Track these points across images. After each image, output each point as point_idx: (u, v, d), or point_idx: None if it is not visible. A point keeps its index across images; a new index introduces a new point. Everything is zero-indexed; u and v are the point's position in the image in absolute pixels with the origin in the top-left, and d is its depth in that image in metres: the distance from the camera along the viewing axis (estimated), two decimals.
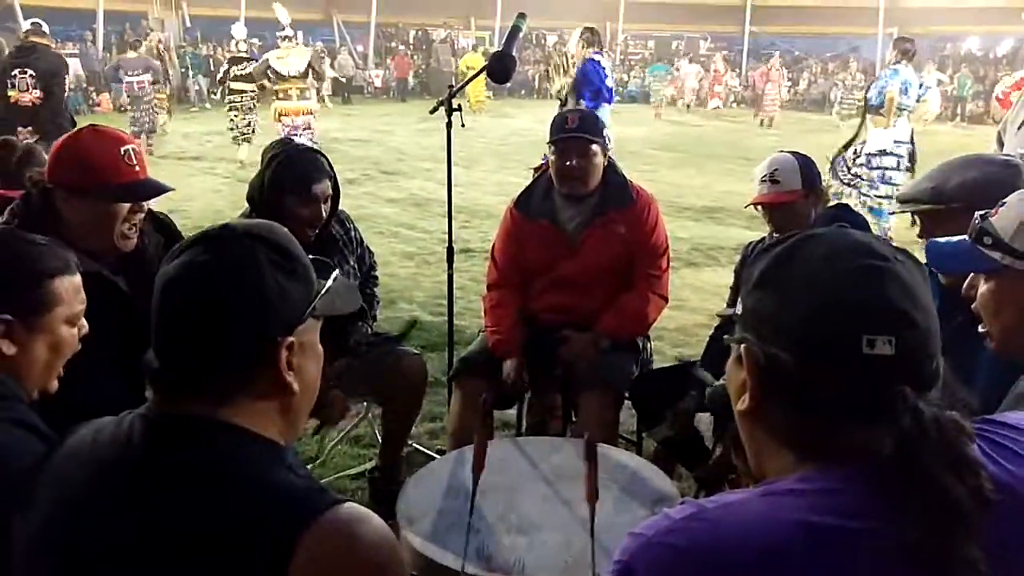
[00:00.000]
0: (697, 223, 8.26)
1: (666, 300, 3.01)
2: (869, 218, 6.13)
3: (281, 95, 9.55)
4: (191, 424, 1.03)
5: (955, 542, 0.78)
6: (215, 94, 11.05)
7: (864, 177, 6.83)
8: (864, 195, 6.85)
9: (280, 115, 9.55)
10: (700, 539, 0.81)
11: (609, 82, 6.99)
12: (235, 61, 11.17)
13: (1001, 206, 1.40)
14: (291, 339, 1.08)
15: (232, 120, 11.10)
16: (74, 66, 20.10)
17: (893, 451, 0.81)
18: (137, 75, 12.75)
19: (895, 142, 6.72)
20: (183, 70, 20.75)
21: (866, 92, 7.12)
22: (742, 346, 0.93)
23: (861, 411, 0.85)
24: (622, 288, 2.92)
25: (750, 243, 2.92)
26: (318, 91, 10.10)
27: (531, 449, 2.35)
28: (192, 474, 1.00)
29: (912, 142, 6.76)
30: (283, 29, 9.73)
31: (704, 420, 2.90)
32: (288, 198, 2.60)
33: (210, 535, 0.95)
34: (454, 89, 2.97)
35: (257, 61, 10.61)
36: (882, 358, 0.83)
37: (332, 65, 23.67)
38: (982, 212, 1.43)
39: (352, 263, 2.92)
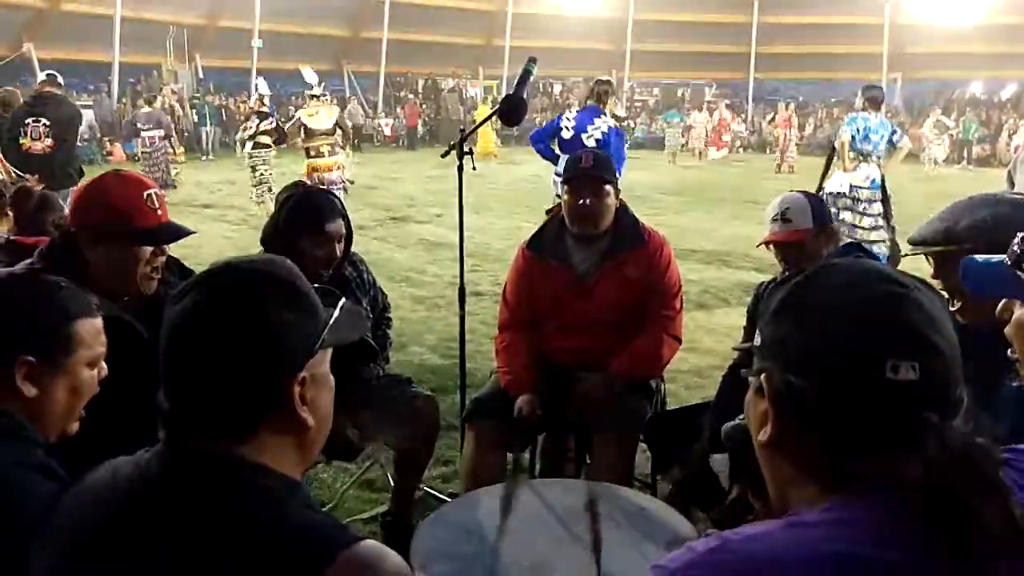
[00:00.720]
0: (707, 266, 8.27)
1: (680, 341, 3.00)
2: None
3: (313, 152, 9.85)
4: (207, 461, 1.03)
5: (987, 568, 0.76)
6: (239, 146, 11.12)
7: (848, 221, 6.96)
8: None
9: (313, 171, 9.82)
10: (723, 572, 0.80)
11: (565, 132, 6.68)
12: (262, 116, 11.39)
13: (1020, 238, 1.39)
14: (303, 375, 1.07)
15: (259, 174, 11.10)
16: (88, 117, 20.47)
17: (920, 478, 0.80)
18: (149, 130, 13.01)
19: (852, 186, 6.98)
20: (196, 120, 21.08)
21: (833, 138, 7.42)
22: (762, 376, 0.92)
23: (886, 438, 0.84)
24: (635, 329, 2.91)
25: (762, 283, 2.91)
26: (343, 146, 10.27)
27: (545, 491, 2.32)
28: (211, 511, 0.99)
29: (880, 186, 6.91)
30: (311, 88, 10.18)
31: (718, 461, 2.88)
32: (302, 238, 2.62)
33: (230, 573, 0.94)
34: (466, 132, 3.01)
35: (273, 115, 11.05)
36: (906, 384, 0.82)
37: (343, 114, 24.08)
38: (1021, 236, 1.41)
39: (365, 305, 2.92)
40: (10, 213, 3.73)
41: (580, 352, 2.91)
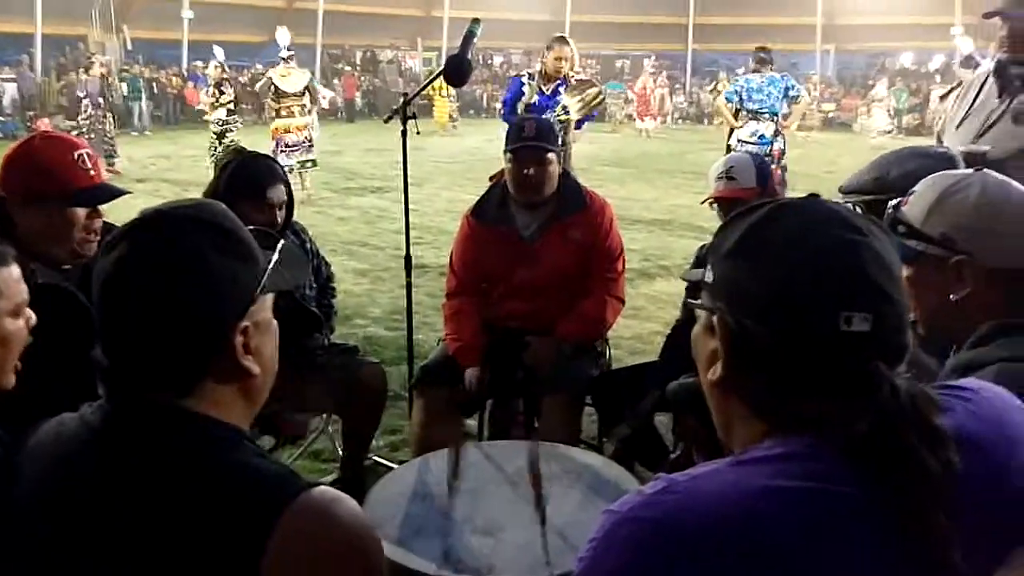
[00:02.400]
0: (649, 235, 8.37)
1: (623, 302, 3.04)
2: None
3: (284, 112, 9.93)
4: (151, 414, 1.00)
5: (930, 512, 0.79)
6: (210, 111, 10.96)
7: None
8: None
9: (283, 131, 9.88)
10: (672, 511, 0.82)
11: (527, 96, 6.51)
12: (222, 84, 11.26)
13: (911, 194, 1.43)
14: (245, 323, 1.03)
15: (230, 141, 10.83)
16: (10, 90, 19.69)
17: (870, 425, 0.82)
18: (86, 98, 12.65)
19: (739, 140, 7.72)
20: (125, 94, 20.39)
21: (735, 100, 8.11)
22: (714, 316, 0.93)
23: (836, 385, 0.85)
24: (580, 293, 2.95)
25: (702, 245, 2.97)
26: (311, 110, 10.31)
27: (495, 452, 2.35)
28: (161, 464, 0.97)
29: (768, 141, 7.66)
30: (282, 51, 10.22)
31: (664, 421, 2.95)
32: (242, 204, 2.57)
33: (184, 523, 0.93)
34: (410, 96, 2.99)
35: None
36: (858, 335, 0.83)
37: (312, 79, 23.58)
38: (894, 202, 1.46)
39: (308, 274, 2.89)
40: None
41: (527, 316, 2.94)
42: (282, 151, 9.68)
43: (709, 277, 0.94)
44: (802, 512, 0.80)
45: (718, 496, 0.81)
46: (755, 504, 0.80)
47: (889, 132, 20.06)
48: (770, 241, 0.89)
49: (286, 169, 9.06)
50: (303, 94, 10.00)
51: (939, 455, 0.81)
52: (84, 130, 12.27)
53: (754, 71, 7.94)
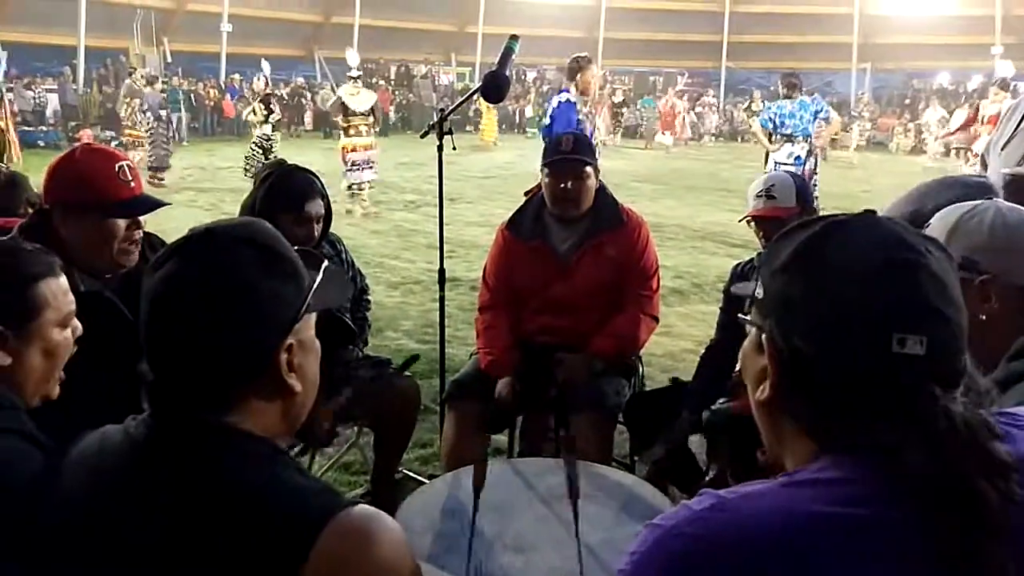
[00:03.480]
0: (681, 252, 8.32)
1: (657, 320, 3.01)
2: None
3: (352, 132, 10.00)
4: (195, 429, 1.01)
5: (986, 544, 0.77)
6: (255, 128, 11.22)
7: None
8: None
9: (350, 150, 9.98)
10: (718, 529, 0.80)
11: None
12: (268, 100, 11.44)
13: (927, 227, 1.44)
14: (289, 341, 1.04)
15: (266, 157, 11.03)
16: (52, 101, 20.12)
17: (924, 453, 0.79)
18: (148, 111, 13.06)
19: (776, 163, 8.01)
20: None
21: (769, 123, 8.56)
22: (763, 335, 0.91)
23: (888, 409, 0.83)
24: (614, 310, 2.93)
25: (738, 263, 2.94)
26: (376, 130, 10.52)
27: (526, 469, 2.33)
28: (202, 479, 0.98)
29: (803, 161, 8.06)
30: (350, 70, 10.34)
31: (696, 441, 2.91)
32: (281, 216, 2.59)
33: (224, 540, 0.93)
34: (446, 112, 2.99)
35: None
36: (912, 357, 0.81)
37: (314, 100, 23.85)
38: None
39: (351, 296, 2.91)
40: None
41: (560, 332, 2.92)
42: (351, 169, 9.87)
43: (759, 292, 0.92)
44: (850, 540, 0.78)
45: (765, 519, 0.80)
46: (802, 529, 0.78)
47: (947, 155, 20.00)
48: (824, 258, 0.87)
49: (357, 186, 9.12)
50: (369, 113, 10.07)
51: (997, 485, 0.78)
52: (147, 143, 12.55)
53: (786, 97, 8.27)
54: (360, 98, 10.04)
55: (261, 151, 11.08)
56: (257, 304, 1.02)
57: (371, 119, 10.12)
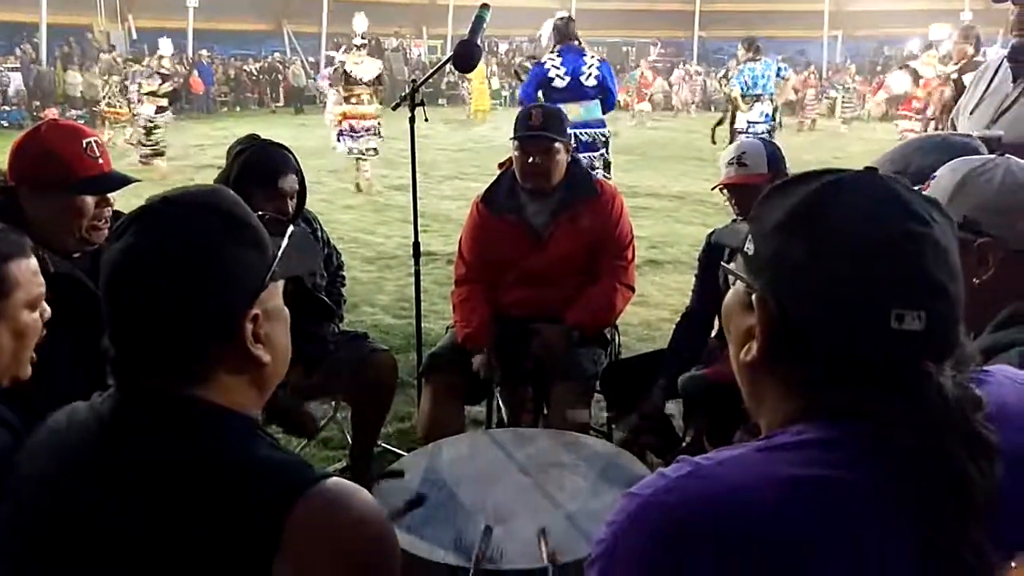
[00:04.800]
0: (655, 222, 8.34)
1: (632, 290, 3.03)
2: None
3: (353, 100, 9.70)
4: (162, 403, 0.99)
5: (966, 522, 0.77)
6: (127, 104, 11.00)
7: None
8: None
9: (348, 117, 9.68)
10: (697, 496, 0.79)
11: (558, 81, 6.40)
12: (164, 77, 11.08)
13: (932, 179, 1.41)
14: (254, 311, 1.02)
15: (155, 139, 10.97)
16: (15, 80, 19.69)
17: (913, 428, 0.79)
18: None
19: (748, 122, 8.95)
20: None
21: (729, 85, 9.94)
22: (752, 294, 0.88)
23: (879, 380, 0.82)
24: (589, 281, 2.94)
25: (713, 230, 2.94)
26: (378, 99, 10.11)
27: (504, 440, 2.35)
28: (173, 453, 0.96)
29: (771, 119, 9.18)
30: (355, 37, 9.96)
31: (672, 408, 2.94)
32: (254, 191, 2.56)
33: (195, 514, 0.92)
34: (418, 83, 2.97)
35: (173, 77, 11.07)
36: (909, 333, 0.80)
37: (286, 76, 23.53)
38: (915, 188, 1.45)
39: (319, 263, 2.89)
40: None
41: (536, 304, 2.93)
42: (348, 136, 9.61)
43: (750, 249, 0.89)
44: (827, 502, 0.78)
45: (744, 484, 0.79)
46: (781, 494, 0.78)
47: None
48: (825, 221, 0.84)
49: (360, 152, 8.86)
50: (374, 82, 9.80)
51: (982, 466, 0.78)
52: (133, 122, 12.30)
53: (752, 60, 9.03)
54: (364, 67, 9.75)
55: (144, 132, 10.75)
56: (218, 271, 0.99)
57: (374, 88, 9.83)
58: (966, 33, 8.80)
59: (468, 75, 17.48)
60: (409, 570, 1.41)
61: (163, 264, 0.98)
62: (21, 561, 1.01)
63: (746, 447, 0.84)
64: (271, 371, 1.07)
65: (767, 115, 8.98)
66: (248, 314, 1.01)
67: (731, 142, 8.67)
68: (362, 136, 9.70)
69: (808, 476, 0.78)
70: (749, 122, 8.92)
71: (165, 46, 12.37)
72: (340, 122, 9.78)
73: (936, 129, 9.01)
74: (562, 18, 6.80)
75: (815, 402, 0.85)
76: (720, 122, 10.42)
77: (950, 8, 25.42)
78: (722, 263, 0.96)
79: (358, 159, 9.91)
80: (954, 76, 8.52)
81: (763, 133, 8.98)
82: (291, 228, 1.12)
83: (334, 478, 0.98)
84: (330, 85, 11.01)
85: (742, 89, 9.17)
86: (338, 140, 9.80)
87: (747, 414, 0.96)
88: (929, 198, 0.88)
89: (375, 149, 9.95)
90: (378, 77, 9.90)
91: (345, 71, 9.74)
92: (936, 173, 1.42)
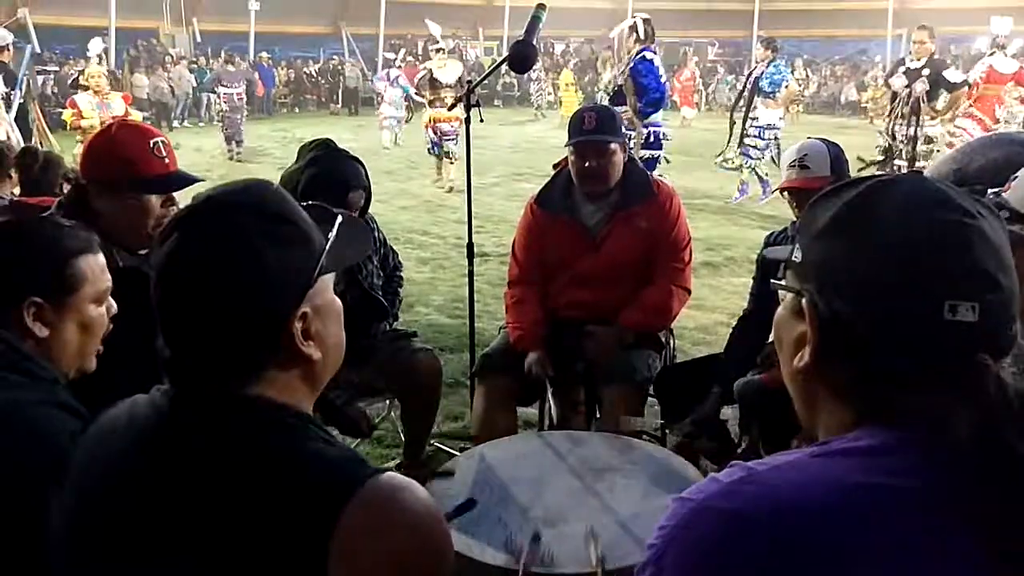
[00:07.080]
0: (712, 224, 8.24)
1: (689, 293, 2.99)
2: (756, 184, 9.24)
3: (438, 103, 9.92)
4: (216, 401, 1.00)
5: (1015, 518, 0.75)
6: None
7: (757, 147, 9.05)
8: (752, 158, 9.09)
9: (436, 121, 9.99)
10: (750, 502, 0.78)
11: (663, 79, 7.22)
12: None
13: (1014, 179, 1.38)
14: (303, 309, 1.01)
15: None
16: None
17: (973, 426, 0.77)
18: (235, 87, 13.80)
19: (767, 124, 9.02)
20: (195, 85, 20.89)
21: (748, 82, 9.33)
22: (803, 299, 0.87)
23: (935, 378, 0.79)
24: (644, 283, 2.91)
25: (771, 233, 2.90)
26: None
27: (556, 442, 2.34)
28: (227, 449, 0.97)
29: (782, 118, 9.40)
30: (436, 43, 10.43)
31: (728, 413, 2.90)
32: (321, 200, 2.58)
33: (249, 509, 0.93)
34: (473, 83, 2.98)
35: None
36: (964, 325, 0.78)
37: (341, 76, 23.85)
38: (995, 189, 1.40)
39: (375, 263, 2.92)
40: (14, 175, 3.72)
41: (589, 306, 2.91)
42: (445, 139, 9.92)
43: (797, 256, 0.88)
44: (882, 510, 0.76)
45: (798, 490, 0.78)
46: (835, 500, 0.76)
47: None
48: (870, 220, 0.83)
49: (447, 155, 8.91)
50: (454, 85, 9.90)
51: None
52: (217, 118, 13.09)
53: (773, 61, 9.05)
54: (448, 70, 10.01)
55: None
56: (261, 272, 0.98)
57: (455, 90, 9.83)
58: None
59: (556, 80, 17.80)
60: (458, 569, 1.41)
61: (205, 267, 0.98)
62: (81, 552, 1.03)
63: (801, 453, 0.83)
64: (322, 367, 1.06)
65: (780, 117, 9.19)
66: (296, 313, 1.01)
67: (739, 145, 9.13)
68: (451, 139, 9.95)
69: (864, 483, 0.77)
70: (769, 124, 9.00)
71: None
72: (428, 126, 10.06)
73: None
74: (646, 19, 7.18)
75: (870, 406, 0.83)
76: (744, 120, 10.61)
77: (1019, 4, 24.65)
78: (771, 280, 0.94)
79: (442, 159, 10.17)
80: None
81: (775, 138, 9.02)
82: (339, 218, 1.10)
83: (389, 472, 0.98)
84: (417, 93, 11.49)
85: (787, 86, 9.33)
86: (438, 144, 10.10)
87: None
88: (976, 196, 0.87)
89: (454, 152, 10.16)
90: (459, 79, 10.03)
91: (432, 76, 9.98)
92: (1018, 174, 1.39)
